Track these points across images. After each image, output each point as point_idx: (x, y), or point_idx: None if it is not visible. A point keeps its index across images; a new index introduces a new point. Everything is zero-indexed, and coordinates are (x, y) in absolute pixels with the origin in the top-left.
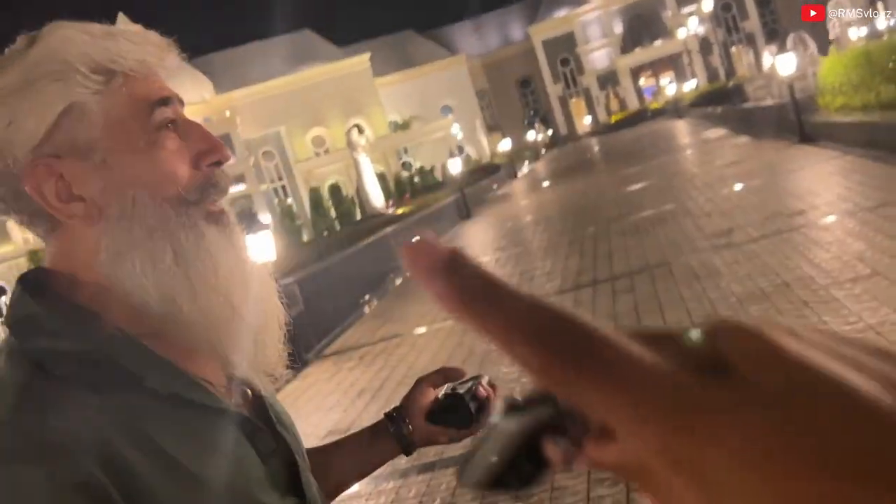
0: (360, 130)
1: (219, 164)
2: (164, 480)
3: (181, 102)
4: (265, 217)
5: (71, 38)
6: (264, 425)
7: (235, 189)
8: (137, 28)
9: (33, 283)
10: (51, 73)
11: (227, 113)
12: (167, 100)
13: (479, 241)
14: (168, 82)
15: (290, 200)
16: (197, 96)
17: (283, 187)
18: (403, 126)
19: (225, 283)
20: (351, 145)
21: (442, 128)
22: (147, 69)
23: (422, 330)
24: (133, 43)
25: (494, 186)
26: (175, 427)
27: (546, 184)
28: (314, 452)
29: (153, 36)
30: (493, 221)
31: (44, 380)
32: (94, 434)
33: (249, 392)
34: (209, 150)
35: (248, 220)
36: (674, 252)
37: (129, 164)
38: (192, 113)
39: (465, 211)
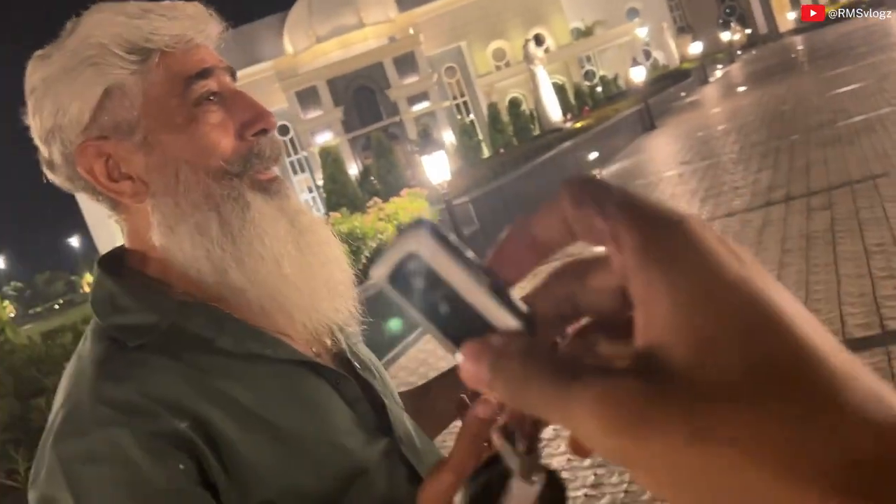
0: (540, 41)
1: (264, 132)
2: (244, 433)
3: (230, 71)
4: (447, 135)
5: (105, 20)
6: (348, 373)
7: (419, 106)
8: (172, 3)
9: (111, 262)
10: (87, 59)
11: (411, 31)
12: (206, 72)
13: (661, 154)
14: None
15: (471, 116)
16: (382, 16)
17: (465, 103)
18: (586, 33)
19: (273, 250)
20: (528, 58)
21: (627, 32)
22: (185, 43)
23: (601, 250)
24: (167, 18)
25: (682, 94)
26: (251, 382)
27: (741, 89)
28: (415, 392)
29: (189, 8)
30: (679, 132)
31: (120, 353)
32: (172, 395)
33: (330, 343)
34: (253, 119)
35: (425, 140)
36: (881, 165)
37: (170, 141)
38: (377, 33)
39: (648, 122)
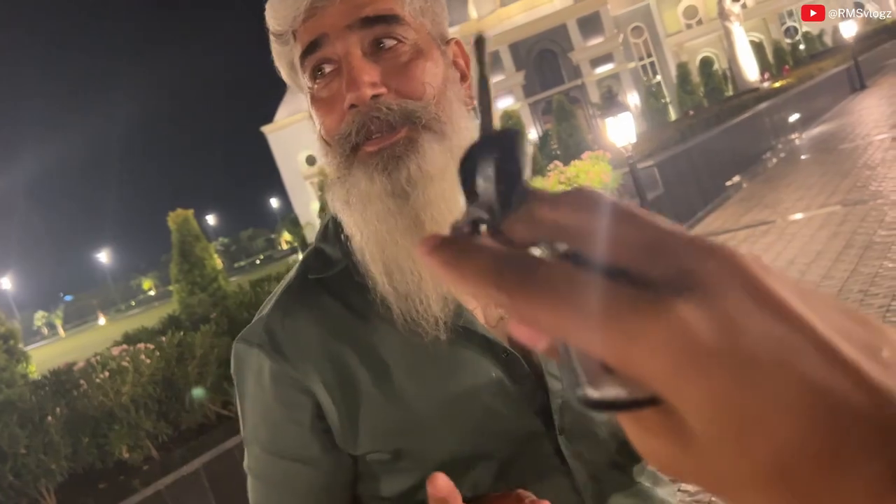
0: None
1: (353, 106)
2: (371, 385)
3: (362, 24)
4: (632, 97)
5: (266, 9)
6: (518, 351)
7: (602, 69)
8: None
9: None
10: (272, 39)
11: None
12: (313, 45)
13: (871, 116)
14: None
15: (658, 78)
16: None
17: (652, 64)
18: None
19: (376, 224)
20: (722, 14)
21: None
22: (305, 14)
23: (797, 216)
24: (272, 5)
25: None
26: (391, 337)
27: None
28: None
29: None
30: (894, 93)
31: (299, 284)
32: (314, 338)
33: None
34: (347, 92)
35: (609, 101)
36: None
37: (313, 117)
38: None
39: (857, 81)
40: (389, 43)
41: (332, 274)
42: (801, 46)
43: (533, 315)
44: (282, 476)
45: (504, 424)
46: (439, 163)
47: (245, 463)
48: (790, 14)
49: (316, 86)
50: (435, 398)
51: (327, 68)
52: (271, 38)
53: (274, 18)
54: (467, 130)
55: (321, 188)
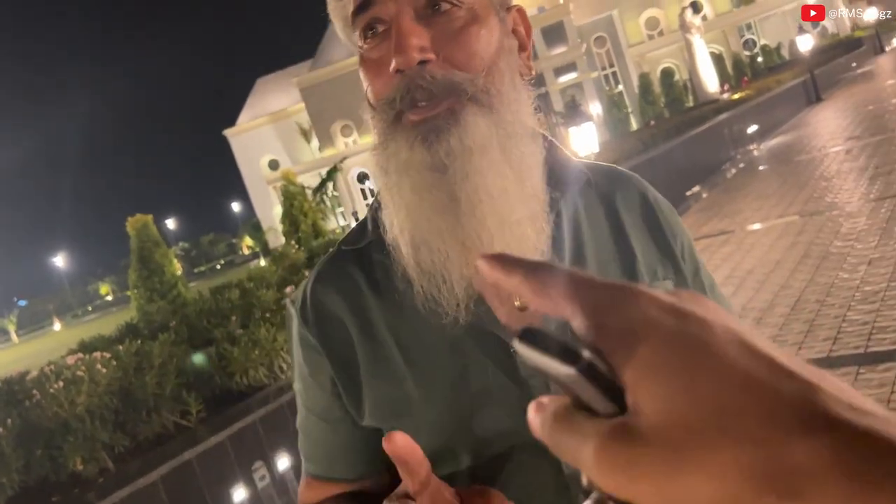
0: (697, 9)
1: (399, 71)
2: (373, 361)
3: None
4: (594, 106)
5: None
6: None
7: (565, 77)
8: None
9: None
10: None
11: (560, 0)
12: (366, 3)
13: (827, 128)
14: None
15: (619, 88)
16: None
17: (614, 74)
18: (747, 0)
19: (410, 196)
20: (683, 26)
21: None
22: None
23: (755, 226)
24: None
25: (853, 64)
26: (398, 319)
27: None
28: None
29: None
30: (848, 106)
31: (332, 256)
32: (337, 307)
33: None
34: (393, 55)
35: (572, 111)
36: None
37: (362, 78)
38: (526, 3)
39: (813, 94)
40: (444, 6)
41: (361, 246)
42: (760, 59)
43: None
44: (312, 430)
45: (497, 424)
46: (482, 137)
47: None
48: (749, 27)
49: (366, 46)
50: (433, 387)
51: (379, 28)
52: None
53: None
54: (517, 103)
55: (284, 193)
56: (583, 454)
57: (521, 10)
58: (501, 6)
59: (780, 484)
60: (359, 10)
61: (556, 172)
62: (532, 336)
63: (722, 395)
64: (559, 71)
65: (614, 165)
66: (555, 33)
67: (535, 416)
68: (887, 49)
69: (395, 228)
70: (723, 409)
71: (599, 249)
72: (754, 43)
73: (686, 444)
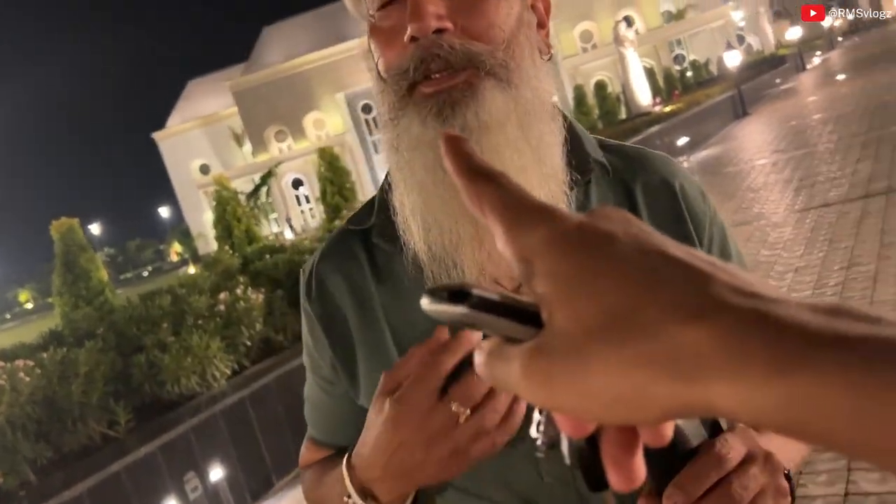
0: (630, 23)
1: (414, 39)
2: (362, 344)
3: None
4: None
5: None
6: None
7: None
8: None
9: None
10: None
11: None
12: None
13: (753, 141)
14: None
15: (555, 98)
16: None
17: None
18: (678, 16)
19: (423, 174)
20: (617, 40)
21: (721, 16)
22: None
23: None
24: None
25: (777, 81)
26: (388, 301)
27: (840, 77)
28: None
29: None
30: (773, 120)
31: (338, 234)
32: (333, 282)
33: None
34: (409, 22)
35: None
36: None
37: (372, 50)
38: None
39: (740, 108)
40: None
41: (367, 227)
42: (689, 74)
43: None
44: (316, 399)
45: None
46: (499, 113)
47: None
48: (679, 42)
49: (379, 14)
50: None
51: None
52: None
53: None
54: (537, 80)
55: (217, 198)
56: (511, 380)
57: None
58: None
59: (681, 370)
60: None
61: (575, 154)
62: (439, 291)
63: (620, 294)
64: None
65: (642, 147)
66: None
67: (476, 359)
68: (808, 67)
69: (407, 209)
70: (621, 307)
71: None
72: (684, 58)
73: (590, 347)
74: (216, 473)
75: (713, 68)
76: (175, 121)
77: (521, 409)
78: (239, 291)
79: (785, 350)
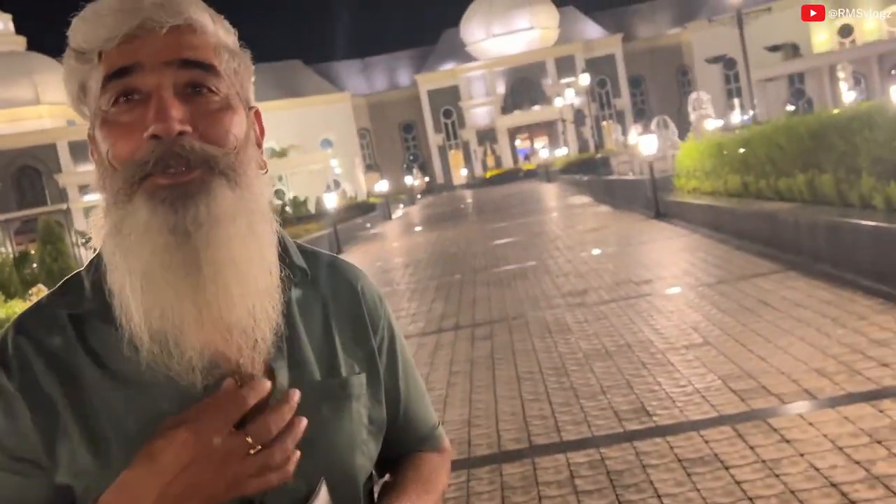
0: None
1: (156, 137)
2: (66, 400)
3: (181, 65)
4: None
5: (74, 25)
6: None
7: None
8: (102, 4)
9: None
10: (69, 56)
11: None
12: (124, 70)
13: None
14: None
15: None
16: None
17: None
18: (280, 154)
19: (148, 258)
20: None
21: (320, 160)
22: (122, 38)
23: None
24: (85, 22)
25: (368, 225)
26: (103, 382)
27: (418, 228)
28: None
29: (107, 4)
30: (363, 260)
31: (45, 312)
32: (27, 356)
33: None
34: (151, 122)
35: None
36: (531, 306)
37: (98, 139)
38: (52, 113)
39: (335, 246)
40: (203, 90)
41: (80, 313)
42: (289, 209)
43: None
44: None
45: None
46: (229, 208)
47: None
48: (280, 178)
49: (113, 109)
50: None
51: (135, 96)
52: (69, 53)
53: (82, 36)
54: (259, 186)
55: None
56: None
57: (258, 112)
58: (246, 103)
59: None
60: (115, 75)
61: (283, 256)
62: None
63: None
64: (85, 188)
65: (336, 255)
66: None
67: None
68: (394, 216)
69: (127, 290)
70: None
71: (311, 339)
72: (284, 193)
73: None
74: None
75: (312, 207)
76: None
77: (296, 457)
78: None
79: None
